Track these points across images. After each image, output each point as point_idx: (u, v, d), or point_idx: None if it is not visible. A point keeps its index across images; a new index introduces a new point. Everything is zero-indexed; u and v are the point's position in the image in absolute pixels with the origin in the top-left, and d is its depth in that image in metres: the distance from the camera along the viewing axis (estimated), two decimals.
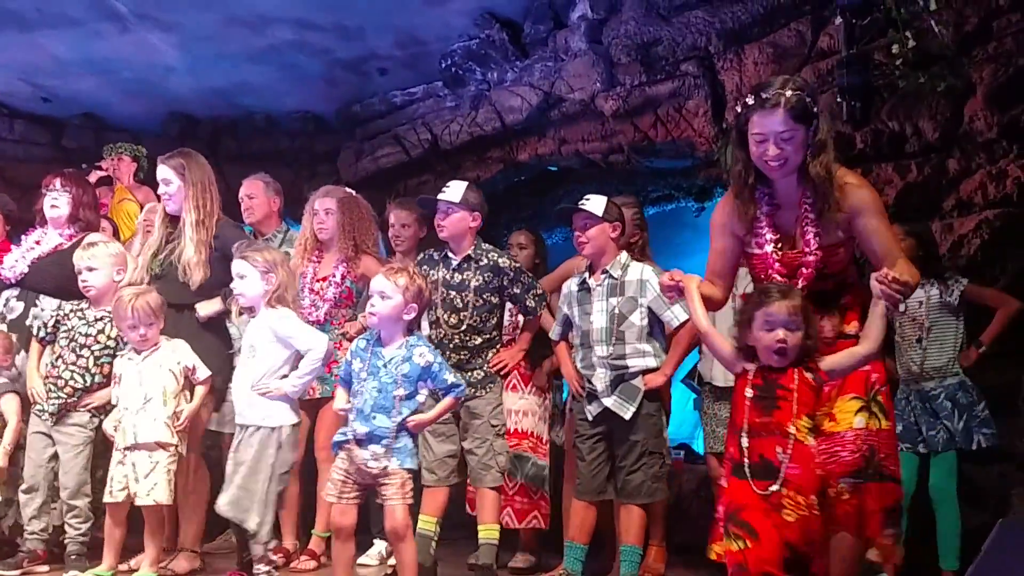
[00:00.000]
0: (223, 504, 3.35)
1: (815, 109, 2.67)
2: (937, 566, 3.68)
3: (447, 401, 3.22)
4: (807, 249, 2.72)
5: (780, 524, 2.47)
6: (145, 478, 3.56)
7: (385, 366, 3.14)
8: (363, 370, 3.17)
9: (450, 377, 3.20)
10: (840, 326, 2.76)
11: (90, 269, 3.88)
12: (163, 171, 3.98)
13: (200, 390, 3.72)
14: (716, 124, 4.91)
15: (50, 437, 3.84)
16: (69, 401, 3.81)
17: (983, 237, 4.07)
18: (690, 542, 3.83)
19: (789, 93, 2.62)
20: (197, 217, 3.87)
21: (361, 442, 3.09)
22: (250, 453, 3.27)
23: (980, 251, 4.08)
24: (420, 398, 3.16)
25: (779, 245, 2.77)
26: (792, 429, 2.51)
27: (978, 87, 4.11)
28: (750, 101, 2.67)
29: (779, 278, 2.77)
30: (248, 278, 3.38)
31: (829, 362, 2.61)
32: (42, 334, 3.94)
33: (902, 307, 3.89)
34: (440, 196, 3.76)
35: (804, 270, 2.74)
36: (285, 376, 3.36)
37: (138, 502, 3.57)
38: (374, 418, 3.09)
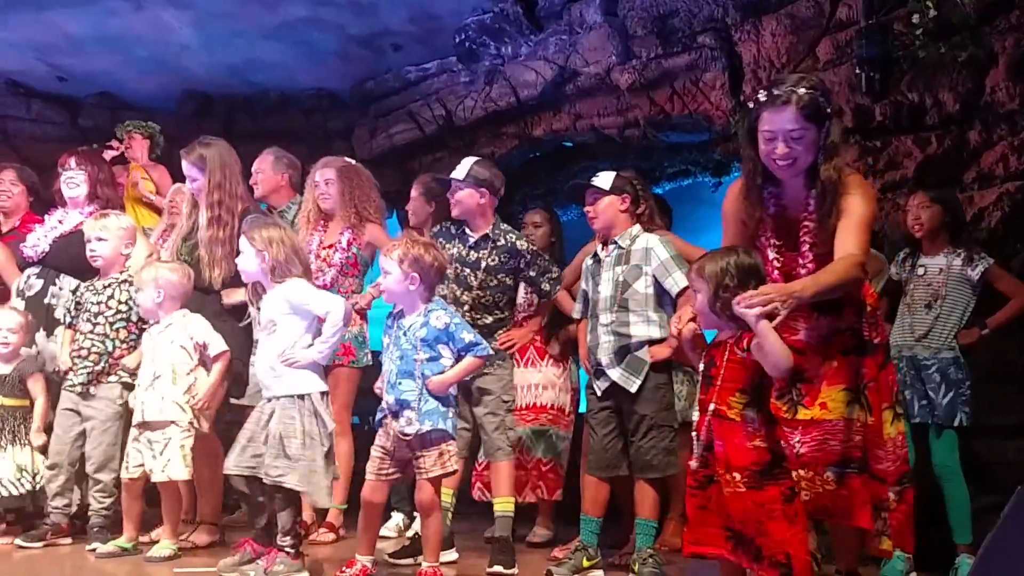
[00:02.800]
0: (243, 470, 3.28)
1: (828, 110, 2.61)
2: (951, 541, 3.65)
3: (468, 360, 3.21)
4: (802, 261, 2.68)
5: (720, 500, 2.44)
6: (160, 455, 3.59)
7: (405, 334, 3.20)
8: (390, 344, 3.25)
9: (468, 336, 3.21)
10: (835, 323, 2.69)
11: (100, 239, 3.94)
12: (185, 167, 4.01)
13: (218, 366, 3.72)
14: (733, 97, 4.86)
15: (78, 414, 3.88)
16: (97, 369, 3.85)
17: (1004, 210, 4.03)
18: None
19: (802, 91, 2.56)
20: (210, 216, 3.89)
21: (395, 413, 3.16)
22: (283, 424, 3.23)
23: (1001, 224, 4.03)
24: (444, 361, 3.18)
25: (780, 251, 2.73)
26: (711, 406, 2.47)
27: (1000, 57, 4.04)
28: (761, 98, 2.60)
29: None
30: (245, 254, 3.40)
31: (753, 343, 2.46)
32: (68, 319, 4.01)
33: (920, 271, 3.85)
34: (451, 175, 3.79)
35: None
36: (310, 346, 3.34)
37: (154, 478, 3.61)
38: (400, 384, 3.15)
